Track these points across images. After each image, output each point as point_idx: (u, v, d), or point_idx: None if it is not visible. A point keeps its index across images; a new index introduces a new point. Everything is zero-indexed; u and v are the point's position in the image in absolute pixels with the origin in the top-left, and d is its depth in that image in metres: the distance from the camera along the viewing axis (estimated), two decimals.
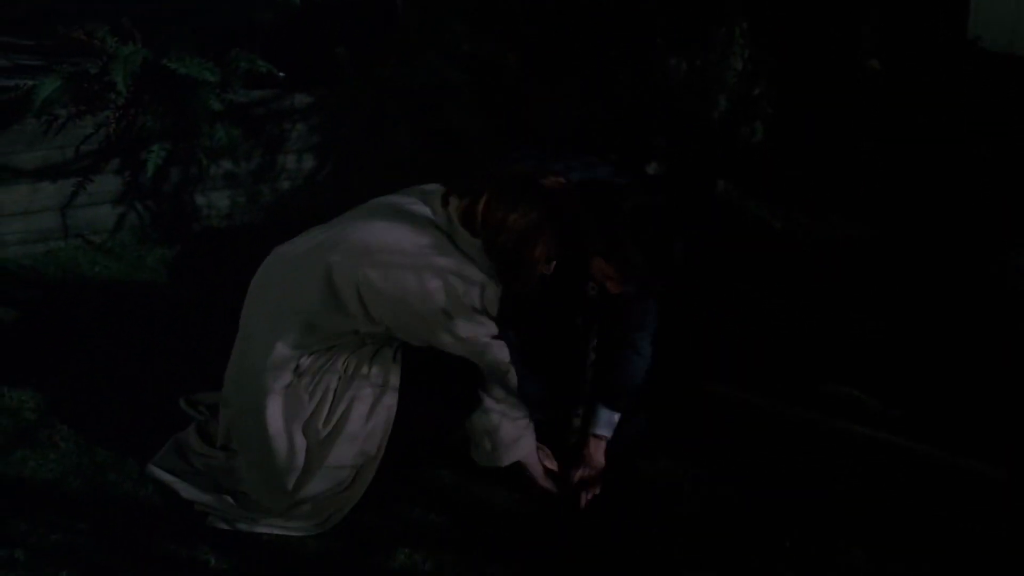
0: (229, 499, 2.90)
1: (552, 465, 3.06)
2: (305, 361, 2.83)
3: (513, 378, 2.89)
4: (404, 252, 2.77)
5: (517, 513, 2.96)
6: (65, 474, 2.99)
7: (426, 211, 2.84)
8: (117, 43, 4.10)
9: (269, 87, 4.30)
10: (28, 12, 4.62)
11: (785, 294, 3.85)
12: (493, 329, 2.83)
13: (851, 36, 4.62)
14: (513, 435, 2.92)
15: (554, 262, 2.85)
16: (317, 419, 2.82)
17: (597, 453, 3.09)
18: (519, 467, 2.97)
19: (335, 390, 2.83)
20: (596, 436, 3.10)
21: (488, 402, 2.89)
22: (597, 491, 3.03)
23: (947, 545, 2.86)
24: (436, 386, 2.90)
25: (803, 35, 4.53)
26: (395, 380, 2.85)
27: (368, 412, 2.84)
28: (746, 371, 3.49)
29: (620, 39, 4.32)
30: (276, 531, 2.84)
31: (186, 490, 2.92)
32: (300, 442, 2.82)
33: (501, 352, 2.85)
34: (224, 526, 2.85)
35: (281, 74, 4.24)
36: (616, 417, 3.11)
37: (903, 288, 3.89)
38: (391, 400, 2.85)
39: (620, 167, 3.22)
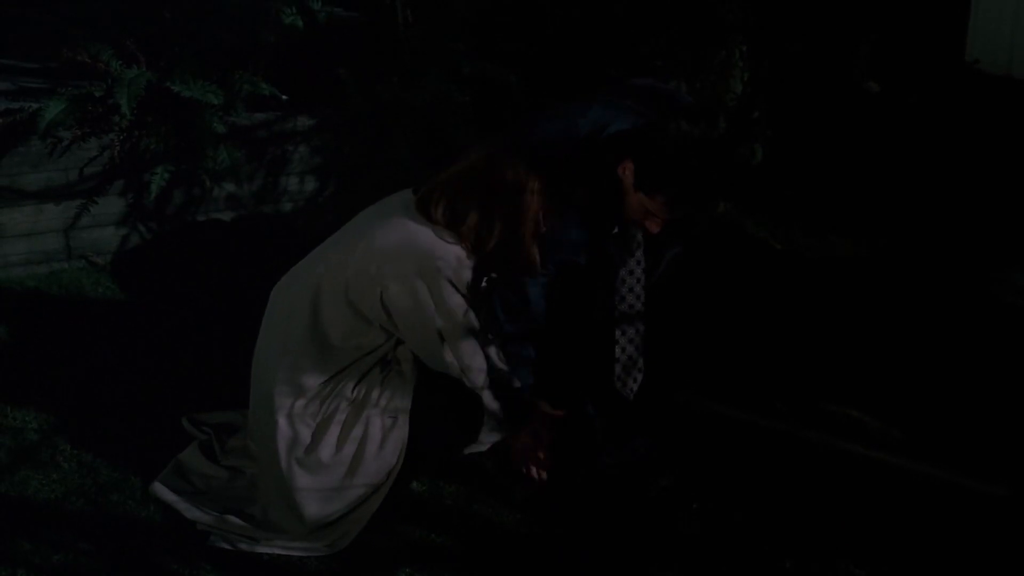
0: (231, 519, 2.90)
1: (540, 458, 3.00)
2: (311, 386, 2.83)
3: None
4: (383, 250, 2.78)
5: (520, 533, 2.96)
6: (67, 494, 3.00)
7: (401, 205, 2.85)
8: (121, 66, 4.11)
9: (272, 109, 4.32)
10: (33, 34, 4.64)
11: (785, 314, 3.86)
12: (472, 322, 2.82)
13: (850, 58, 4.64)
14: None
15: (543, 229, 2.82)
16: (320, 446, 2.82)
17: None
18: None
19: (345, 418, 2.84)
20: None
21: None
22: None
23: (948, 564, 2.86)
24: (444, 407, 2.90)
25: (802, 57, 4.55)
26: (406, 405, 2.87)
27: (381, 439, 2.84)
28: (747, 390, 3.49)
29: (620, 60, 4.35)
30: (280, 552, 2.84)
31: (189, 510, 2.93)
32: (297, 468, 2.82)
33: (475, 354, 2.84)
34: (226, 546, 2.84)
35: (284, 96, 4.26)
36: None
37: (902, 307, 3.90)
38: (403, 426, 2.86)
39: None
